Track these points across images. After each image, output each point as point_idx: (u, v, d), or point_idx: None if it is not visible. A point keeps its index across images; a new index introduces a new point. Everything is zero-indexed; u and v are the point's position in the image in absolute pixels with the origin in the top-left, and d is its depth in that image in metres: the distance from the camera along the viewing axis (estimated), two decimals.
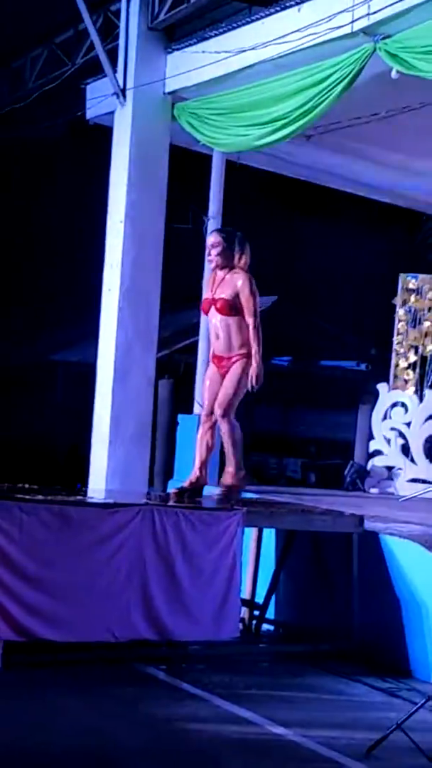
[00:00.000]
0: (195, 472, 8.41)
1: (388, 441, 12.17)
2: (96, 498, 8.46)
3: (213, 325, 8.30)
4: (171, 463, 11.49)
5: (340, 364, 13.90)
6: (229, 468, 8.34)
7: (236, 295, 8.10)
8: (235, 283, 8.12)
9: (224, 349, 8.23)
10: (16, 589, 6.86)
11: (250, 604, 8.33)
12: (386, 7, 7.89)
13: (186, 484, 8.40)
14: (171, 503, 7.80)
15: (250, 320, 8.09)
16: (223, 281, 8.21)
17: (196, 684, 6.79)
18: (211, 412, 8.31)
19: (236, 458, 8.33)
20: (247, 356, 8.15)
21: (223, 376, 8.23)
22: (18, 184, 17.19)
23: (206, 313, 8.38)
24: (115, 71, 10.29)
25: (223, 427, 8.27)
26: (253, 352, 8.10)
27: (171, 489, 8.50)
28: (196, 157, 11.13)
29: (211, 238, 8.31)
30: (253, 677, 7.23)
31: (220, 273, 8.25)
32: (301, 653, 7.78)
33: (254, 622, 8.29)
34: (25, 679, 6.61)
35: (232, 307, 8.12)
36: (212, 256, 8.25)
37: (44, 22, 12.43)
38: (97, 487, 9.92)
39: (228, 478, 8.36)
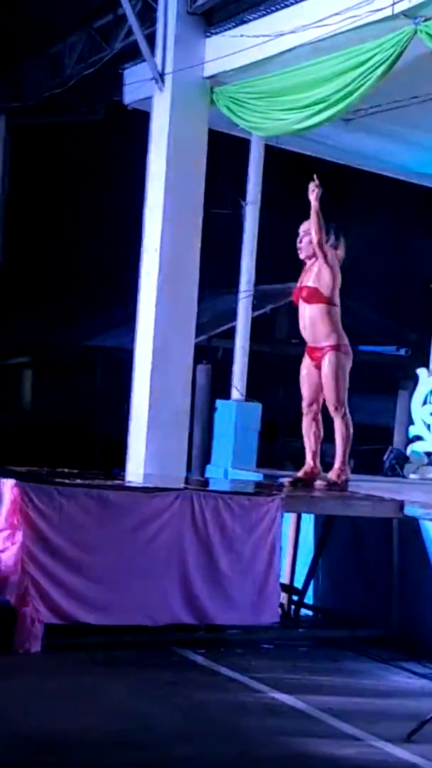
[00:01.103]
0: (309, 463, 8.50)
1: (428, 426, 12.09)
2: (135, 482, 8.49)
3: (301, 315, 8.34)
4: (209, 449, 11.48)
5: (379, 349, 13.81)
6: (336, 464, 8.38)
7: (322, 284, 8.17)
8: (319, 269, 8.16)
9: (312, 339, 8.35)
10: (55, 573, 6.90)
11: (289, 589, 8.33)
12: None
13: (301, 474, 8.41)
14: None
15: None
16: (310, 270, 8.29)
17: (235, 668, 6.80)
18: (311, 403, 8.34)
19: (344, 455, 8.37)
20: (336, 347, 8.19)
21: (317, 368, 8.28)
22: (58, 169, 17.22)
23: (296, 303, 8.43)
24: (153, 56, 10.25)
25: (336, 423, 8.41)
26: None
27: (283, 479, 8.58)
28: (234, 141, 11.08)
29: (304, 226, 8.38)
30: (292, 662, 7.24)
31: (308, 262, 8.30)
32: (340, 639, 7.77)
33: (293, 607, 8.29)
34: (64, 661, 6.65)
35: (316, 295, 8.17)
36: (302, 244, 8.30)
37: (82, 8, 12.41)
38: (135, 472, 9.94)
39: (333, 473, 8.38)
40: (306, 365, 8.45)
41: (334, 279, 8.26)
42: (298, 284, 8.47)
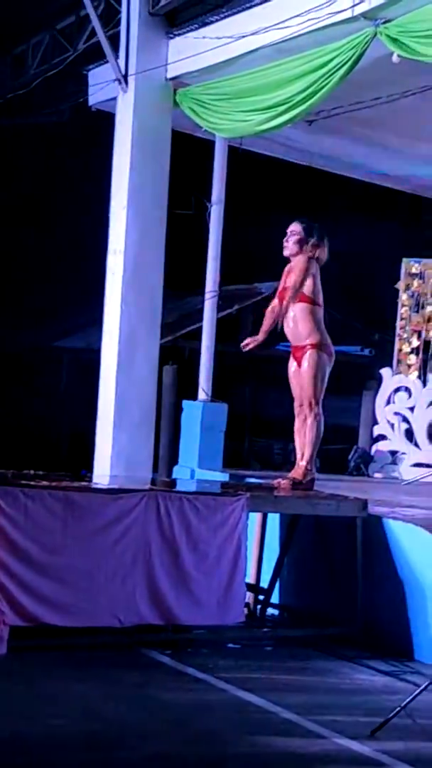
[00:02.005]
0: (299, 463, 8.51)
1: (392, 426, 12.19)
2: (100, 484, 8.50)
3: (286, 316, 8.47)
4: (175, 449, 11.51)
5: (343, 350, 13.88)
6: (302, 462, 8.42)
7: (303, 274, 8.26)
8: (297, 267, 8.25)
9: (294, 338, 8.47)
10: (21, 575, 6.89)
11: (254, 588, 8.37)
12: None
13: (293, 475, 8.43)
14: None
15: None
16: (292, 270, 8.37)
17: (201, 668, 6.83)
18: (301, 404, 8.44)
19: (310, 453, 8.42)
20: (317, 346, 8.26)
21: (300, 367, 8.35)
22: (22, 170, 17.18)
23: (281, 304, 8.49)
24: (116, 57, 10.26)
25: (307, 421, 8.41)
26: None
27: (278, 480, 8.58)
28: (198, 142, 11.11)
29: (291, 227, 8.51)
30: (258, 661, 7.28)
31: (292, 261, 8.38)
32: (306, 637, 7.82)
33: (259, 606, 8.32)
34: (30, 663, 6.64)
35: (299, 294, 8.25)
36: (288, 243, 8.39)
37: (45, 9, 12.41)
38: (102, 473, 9.95)
39: (298, 471, 8.43)
40: (292, 366, 8.52)
41: (314, 282, 8.34)
42: (281, 284, 8.55)
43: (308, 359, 8.36)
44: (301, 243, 8.42)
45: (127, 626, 7.20)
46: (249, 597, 8.13)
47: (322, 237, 8.50)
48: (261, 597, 8.34)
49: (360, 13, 8.04)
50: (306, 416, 8.46)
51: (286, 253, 8.53)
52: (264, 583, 8.42)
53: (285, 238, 8.56)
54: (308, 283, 8.36)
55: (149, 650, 7.18)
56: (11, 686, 6.20)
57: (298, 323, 8.39)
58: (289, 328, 8.47)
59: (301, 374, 8.40)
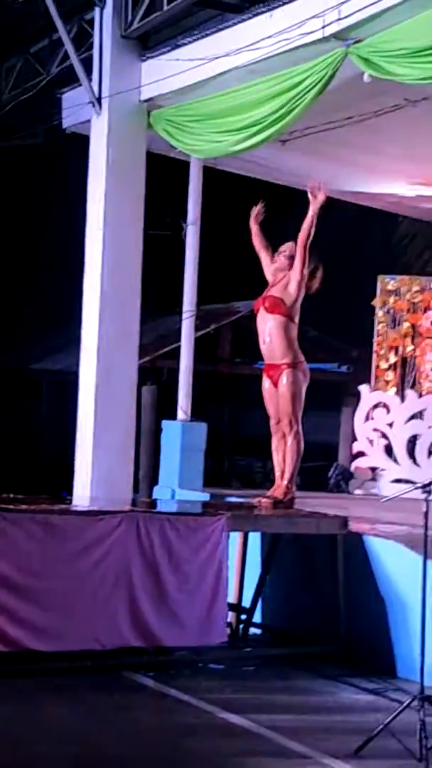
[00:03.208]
0: (278, 482, 8.51)
1: (371, 442, 12.22)
2: (81, 506, 8.49)
3: (261, 329, 8.42)
4: (156, 470, 11.51)
5: (321, 367, 13.93)
6: (283, 481, 8.41)
7: (286, 294, 8.25)
8: (288, 279, 8.31)
9: (269, 355, 8.45)
10: (2, 600, 6.87)
11: (236, 608, 8.36)
12: (357, 11, 7.90)
13: (277, 494, 8.41)
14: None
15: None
16: (278, 283, 8.36)
17: (185, 690, 6.82)
18: (278, 422, 8.42)
19: (291, 473, 8.42)
20: (293, 365, 8.27)
21: (275, 385, 8.34)
22: None
23: (256, 312, 8.47)
24: (90, 80, 10.30)
25: (287, 440, 8.39)
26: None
27: (258, 499, 8.56)
28: (174, 163, 11.16)
29: (286, 247, 8.58)
30: (241, 682, 7.28)
31: (279, 276, 8.41)
32: (288, 656, 7.82)
33: (241, 626, 8.32)
34: (13, 689, 6.62)
35: (279, 305, 8.26)
36: (280, 257, 8.52)
37: (18, 33, 12.42)
38: (83, 495, 9.93)
39: (279, 490, 8.42)
40: (265, 384, 8.51)
41: (298, 294, 8.36)
42: (263, 294, 8.56)
43: (285, 378, 8.38)
44: (293, 260, 8.45)
45: (109, 649, 7.18)
46: (231, 617, 8.13)
47: (318, 266, 8.51)
48: (243, 616, 8.34)
49: (331, 34, 8.09)
50: (285, 434, 8.46)
51: (275, 265, 8.52)
52: (246, 603, 8.42)
53: (273, 258, 8.56)
54: (293, 296, 8.35)
55: (132, 673, 7.17)
56: None
57: (273, 339, 8.40)
58: (264, 344, 8.47)
59: (279, 394, 8.41)
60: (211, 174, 11.33)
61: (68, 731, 5.94)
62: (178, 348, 11.55)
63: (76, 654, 7.11)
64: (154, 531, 7.37)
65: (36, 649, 6.94)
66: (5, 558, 6.89)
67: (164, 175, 11.22)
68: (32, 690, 6.63)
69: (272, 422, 8.56)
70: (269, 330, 8.42)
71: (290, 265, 8.50)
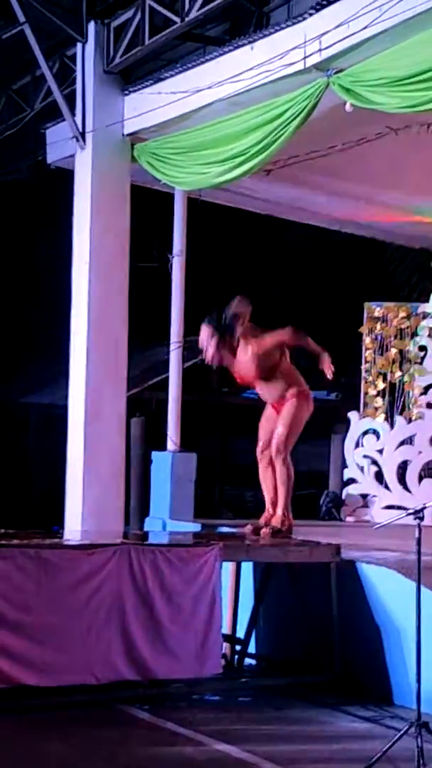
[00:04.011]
0: (268, 510, 8.50)
1: (362, 469, 12.23)
2: (72, 539, 8.46)
3: (258, 392, 8.55)
4: (146, 501, 11.49)
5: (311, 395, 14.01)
6: (278, 510, 8.39)
7: (257, 362, 8.19)
8: (248, 354, 8.26)
9: (273, 400, 8.45)
10: None
11: (231, 638, 8.33)
12: (337, 42, 7.99)
13: (275, 523, 8.41)
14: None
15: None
16: (239, 362, 8.35)
17: (180, 722, 6.78)
18: (264, 449, 8.40)
19: (285, 501, 8.41)
20: (298, 394, 8.27)
21: (277, 412, 8.36)
22: None
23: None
24: (73, 115, 10.37)
25: (276, 467, 8.38)
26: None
27: (249, 527, 8.55)
28: (159, 194, 11.21)
29: (202, 334, 8.44)
30: (238, 712, 7.24)
31: (231, 358, 8.38)
32: (284, 686, 7.77)
33: (236, 656, 8.28)
34: (8, 725, 6.57)
35: (261, 372, 8.24)
36: (209, 354, 8.40)
37: (1, 70, 12.50)
38: (74, 528, 9.91)
39: (276, 520, 8.40)
40: (267, 412, 8.52)
41: (266, 349, 8.36)
42: (239, 378, 8.57)
43: (289, 405, 8.37)
44: (219, 344, 8.37)
45: (104, 683, 7.15)
46: (226, 647, 8.09)
47: (232, 319, 8.42)
48: (238, 647, 8.30)
49: (312, 65, 8.17)
50: (272, 461, 8.43)
51: (210, 362, 8.50)
52: (240, 633, 8.38)
53: (203, 348, 8.49)
54: (252, 365, 8.32)
55: (127, 706, 7.13)
56: None
57: (269, 391, 8.44)
58: (264, 398, 8.51)
59: (278, 418, 8.38)
60: (195, 205, 11.39)
61: (65, 766, 5.90)
62: (166, 379, 11.56)
63: (70, 689, 7.06)
64: (146, 563, 7.36)
65: (30, 684, 6.90)
66: None
67: (149, 207, 11.27)
68: (29, 726, 6.58)
69: (259, 448, 8.52)
70: (260, 390, 8.47)
71: (225, 352, 8.38)
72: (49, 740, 6.34)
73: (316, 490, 12.63)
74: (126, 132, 10.26)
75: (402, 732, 5.82)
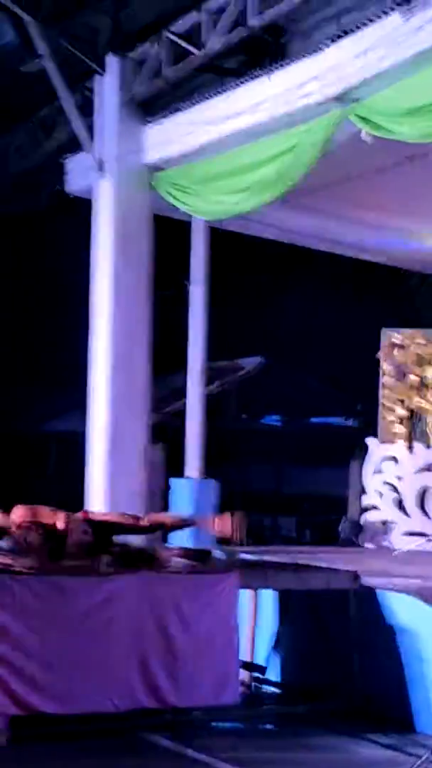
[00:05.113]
0: None
1: (381, 495, 12.21)
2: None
3: None
4: None
5: (329, 421, 13.99)
6: None
7: None
8: None
9: None
10: (15, 663, 6.85)
11: (249, 665, 8.32)
12: (355, 72, 8.08)
13: None
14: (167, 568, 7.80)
15: None
16: None
17: (201, 750, 6.76)
18: None
19: None
20: None
21: None
22: (3, 259, 17.34)
23: None
24: (93, 145, 10.46)
25: None
26: None
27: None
28: (178, 221, 11.28)
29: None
30: (258, 740, 7.23)
31: None
32: (305, 714, 7.76)
33: (255, 684, 8.28)
34: (32, 753, 6.58)
35: None
36: None
37: (23, 100, 12.63)
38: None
39: None
40: None
41: None
42: None
43: None
44: None
45: (122, 711, 7.15)
46: (245, 675, 8.09)
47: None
48: (257, 674, 8.30)
49: (329, 95, 8.25)
50: None
51: None
52: (259, 660, 8.38)
53: None
54: None
55: (148, 734, 7.12)
56: None
57: None
58: None
59: None
60: (212, 231, 11.43)
61: None
62: (185, 406, 11.59)
63: (91, 717, 7.07)
64: (164, 590, 7.37)
65: (49, 711, 6.91)
66: (16, 620, 6.88)
67: (167, 234, 11.35)
68: (50, 755, 6.59)
69: None
70: None
71: None
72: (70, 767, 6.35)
73: (334, 516, 12.61)
74: (146, 162, 10.35)
75: (423, 759, 5.81)
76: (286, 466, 15.04)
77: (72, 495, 11.79)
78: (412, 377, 12.52)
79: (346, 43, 8.13)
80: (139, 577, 7.32)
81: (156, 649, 7.25)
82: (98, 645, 7.10)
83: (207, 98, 9.51)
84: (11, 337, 17.44)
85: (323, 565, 8.55)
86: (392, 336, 12.67)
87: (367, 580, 8.07)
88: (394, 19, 7.73)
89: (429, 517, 11.83)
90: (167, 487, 11.59)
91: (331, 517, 12.60)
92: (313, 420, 14.60)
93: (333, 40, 8.18)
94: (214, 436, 12.28)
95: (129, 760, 6.58)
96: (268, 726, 7.67)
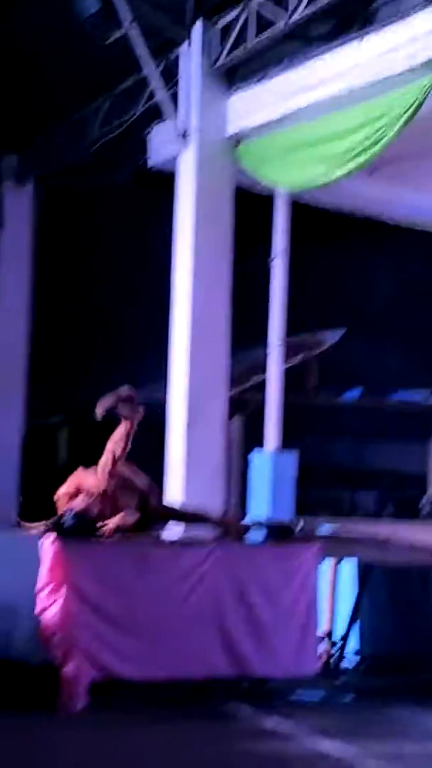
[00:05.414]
0: None
1: None
2: (172, 536, 8.51)
3: None
4: (245, 501, 11.49)
5: (410, 395, 13.84)
6: None
7: None
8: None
9: None
10: (98, 629, 6.93)
11: (329, 637, 8.29)
12: None
13: None
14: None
15: None
16: None
17: (279, 719, 6.78)
18: None
19: None
20: None
21: None
22: (86, 232, 17.42)
23: None
24: (177, 116, 10.41)
25: None
26: None
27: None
28: (259, 195, 11.20)
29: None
30: (337, 711, 7.23)
31: None
32: (385, 686, 7.72)
33: (335, 655, 8.25)
34: (110, 717, 6.65)
35: None
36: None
37: (105, 72, 12.64)
38: (174, 526, 9.95)
39: None
40: None
41: None
42: None
43: None
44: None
45: (202, 678, 7.18)
46: (324, 646, 8.06)
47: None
48: (336, 646, 8.27)
49: (420, 62, 8.09)
50: None
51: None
52: (339, 632, 8.34)
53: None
54: None
55: (226, 702, 7.14)
56: (91, 739, 6.20)
57: None
58: None
59: None
60: (295, 206, 11.33)
61: (167, 760, 5.94)
62: (265, 380, 11.54)
63: (170, 683, 7.11)
64: (245, 560, 7.39)
65: (128, 677, 6.98)
66: (100, 588, 6.96)
67: (248, 206, 11.27)
68: (131, 719, 6.65)
69: None
70: None
71: None
72: (151, 734, 6.40)
73: (416, 492, 12.49)
74: (229, 132, 10.24)
75: None
76: (366, 441, 14.94)
77: (151, 466, 11.84)
78: None
79: None
80: (220, 546, 7.33)
81: (236, 619, 7.28)
82: (179, 613, 7.15)
83: (293, 66, 9.37)
84: (93, 310, 17.56)
85: (404, 539, 8.46)
86: None
87: None
88: None
89: None
90: (248, 460, 11.57)
91: (413, 492, 12.48)
92: (394, 394, 14.46)
93: (424, 5, 8.01)
94: (293, 410, 12.23)
95: (208, 726, 6.61)
96: (347, 697, 7.64)
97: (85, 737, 6.24)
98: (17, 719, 6.54)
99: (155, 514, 7.88)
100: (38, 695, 6.75)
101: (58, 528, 7.21)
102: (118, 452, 7.87)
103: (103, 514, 7.45)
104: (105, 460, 7.88)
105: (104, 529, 7.34)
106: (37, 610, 6.81)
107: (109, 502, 7.55)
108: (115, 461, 7.84)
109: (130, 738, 6.29)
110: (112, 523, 7.36)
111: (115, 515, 7.43)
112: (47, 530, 7.22)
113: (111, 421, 16.62)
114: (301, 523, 8.59)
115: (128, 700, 6.95)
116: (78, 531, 7.20)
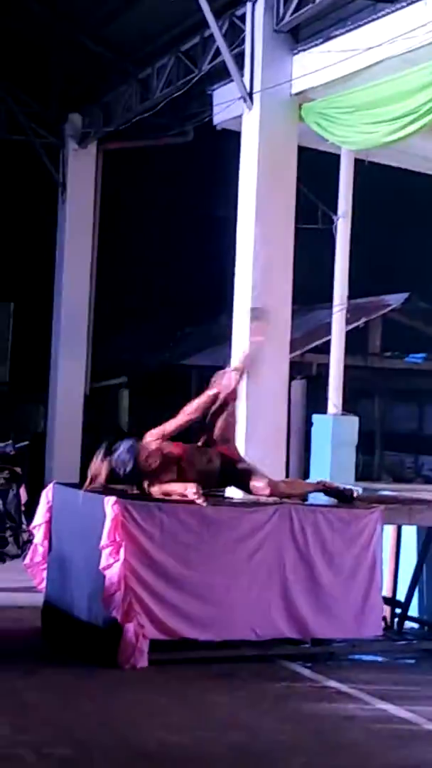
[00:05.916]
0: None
1: None
2: (234, 498, 8.53)
3: None
4: (306, 463, 11.49)
5: None
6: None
7: None
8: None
9: None
10: (159, 589, 6.97)
11: (391, 601, 8.29)
12: None
13: None
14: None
15: None
16: None
17: (342, 680, 6.81)
18: None
19: None
20: None
21: None
22: (149, 191, 17.44)
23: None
24: (241, 75, 10.35)
25: None
26: None
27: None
28: (324, 155, 11.10)
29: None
30: (399, 674, 7.23)
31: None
32: None
33: (397, 619, 8.24)
34: (171, 676, 6.72)
35: None
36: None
37: (170, 31, 12.59)
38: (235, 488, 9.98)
39: None
40: None
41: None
42: None
43: None
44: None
45: (264, 639, 7.22)
46: (386, 610, 8.06)
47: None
48: (398, 610, 8.26)
49: None
50: None
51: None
52: (401, 596, 8.33)
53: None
54: None
55: (289, 662, 7.19)
56: (153, 698, 6.28)
57: None
58: None
59: None
60: (360, 164, 11.22)
61: (228, 718, 6.00)
62: (328, 342, 11.49)
63: (233, 643, 7.17)
64: (307, 523, 7.38)
65: (192, 638, 7.03)
66: (161, 548, 6.99)
67: (312, 167, 11.18)
68: (192, 678, 6.71)
69: None
70: None
71: None
72: (214, 693, 6.45)
73: None
74: (293, 92, 10.19)
75: None
76: (429, 406, 14.85)
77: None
78: None
79: None
80: (283, 509, 7.33)
81: (298, 581, 7.29)
82: (241, 575, 7.17)
83: (359, 25, 9.27)
84: (155, 273, 17.60)
85: None
86: None
87: None
88: None
89: None
90: (308, 423, 11.56)
91: None
92: None
93: None
94: (356, 373, 12.19)
95: (271, 687, 6.65)
96: (409, 660, 7.63)
97: (147, 695, 6.30)
98: (79, 675, 6.63)
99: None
100: (101, 652, 6.83)
101: (107, 452, 7.30)
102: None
103: (157, 470, 7.42)
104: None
105: (157, 489, 7.34)
106: (102, 565, 6.88)
107: (174, 464, 7.53)
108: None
109: (192, 696, 6.34)
110: (174, 491, 7.33)
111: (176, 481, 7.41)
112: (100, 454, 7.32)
113: (173, 385, 16.66)
114: (360, 489, 8.56)
115: (190, 660, 7.01)
116: (122, 466, 7.27)
